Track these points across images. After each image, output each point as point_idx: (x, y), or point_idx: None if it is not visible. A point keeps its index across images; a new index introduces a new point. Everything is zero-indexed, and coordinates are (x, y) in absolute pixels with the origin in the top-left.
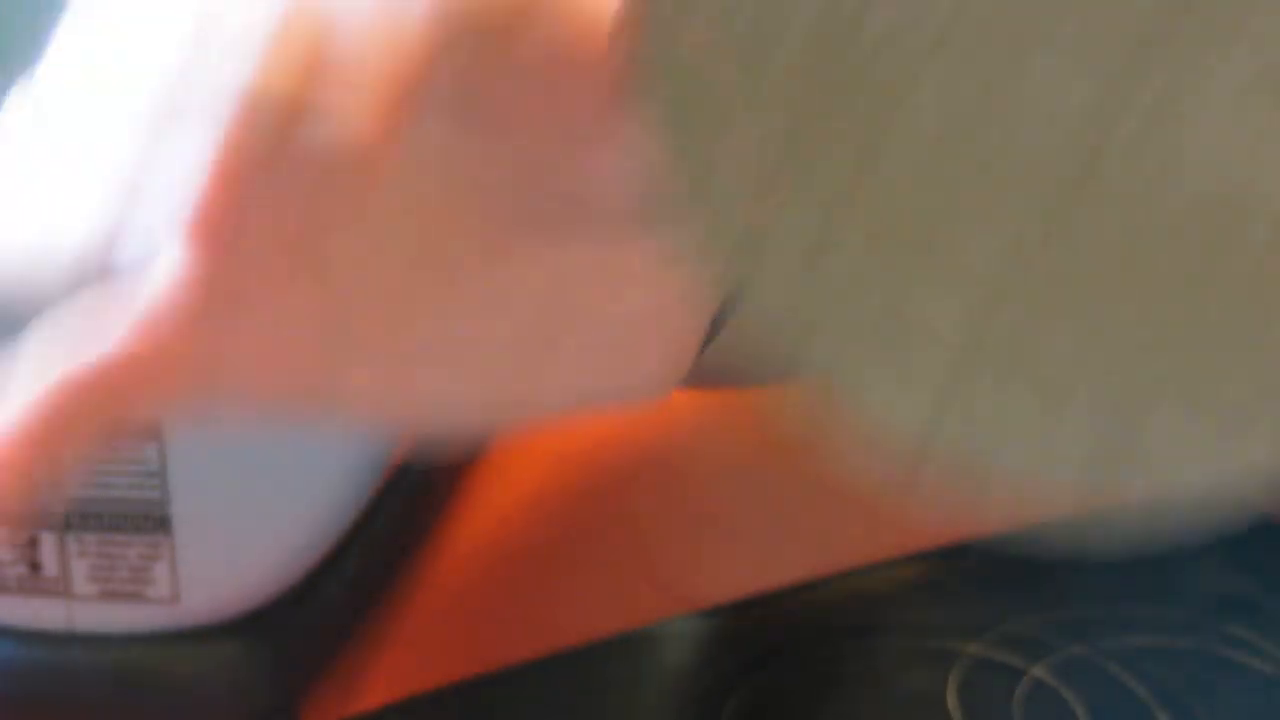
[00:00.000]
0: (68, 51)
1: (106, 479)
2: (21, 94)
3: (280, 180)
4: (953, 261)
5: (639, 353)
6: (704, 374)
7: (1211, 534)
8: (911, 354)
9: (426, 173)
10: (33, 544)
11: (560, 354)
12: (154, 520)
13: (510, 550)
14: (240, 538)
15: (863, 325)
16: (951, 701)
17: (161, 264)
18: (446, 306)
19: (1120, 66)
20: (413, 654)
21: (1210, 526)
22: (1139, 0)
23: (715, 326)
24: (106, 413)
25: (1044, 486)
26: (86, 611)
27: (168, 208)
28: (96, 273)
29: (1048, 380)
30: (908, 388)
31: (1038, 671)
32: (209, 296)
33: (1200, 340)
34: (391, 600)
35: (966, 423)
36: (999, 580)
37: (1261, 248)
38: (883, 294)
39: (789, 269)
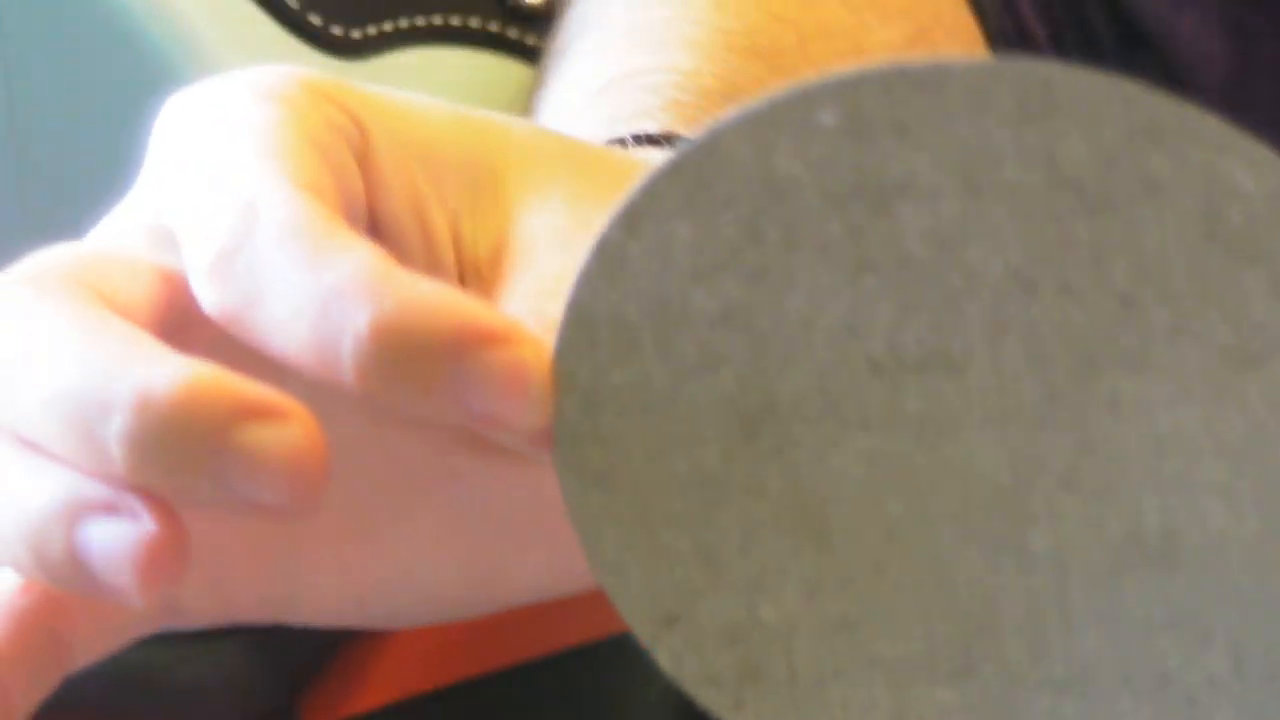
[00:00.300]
0: None
1: None
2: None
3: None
4: (883, 631)
5: None
6: None
7: None
8: (843, 718)
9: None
10: None
11: (529, 554)
12: None
13: None
14: None
15: (790, 696)
16: None
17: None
18: (405, 523)
19: (1030, 434)
20: (412, 654)
21: None
22: (1037, 380)
23: None
24: (53, 639)
25: None
26: None
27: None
28: None
29: (995, 706)
30: None
31: None
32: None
33: (1163, 651)
34: None
35: None
36: None
37: (1188, 580)
38: (811, 670)
39: (711, 649)
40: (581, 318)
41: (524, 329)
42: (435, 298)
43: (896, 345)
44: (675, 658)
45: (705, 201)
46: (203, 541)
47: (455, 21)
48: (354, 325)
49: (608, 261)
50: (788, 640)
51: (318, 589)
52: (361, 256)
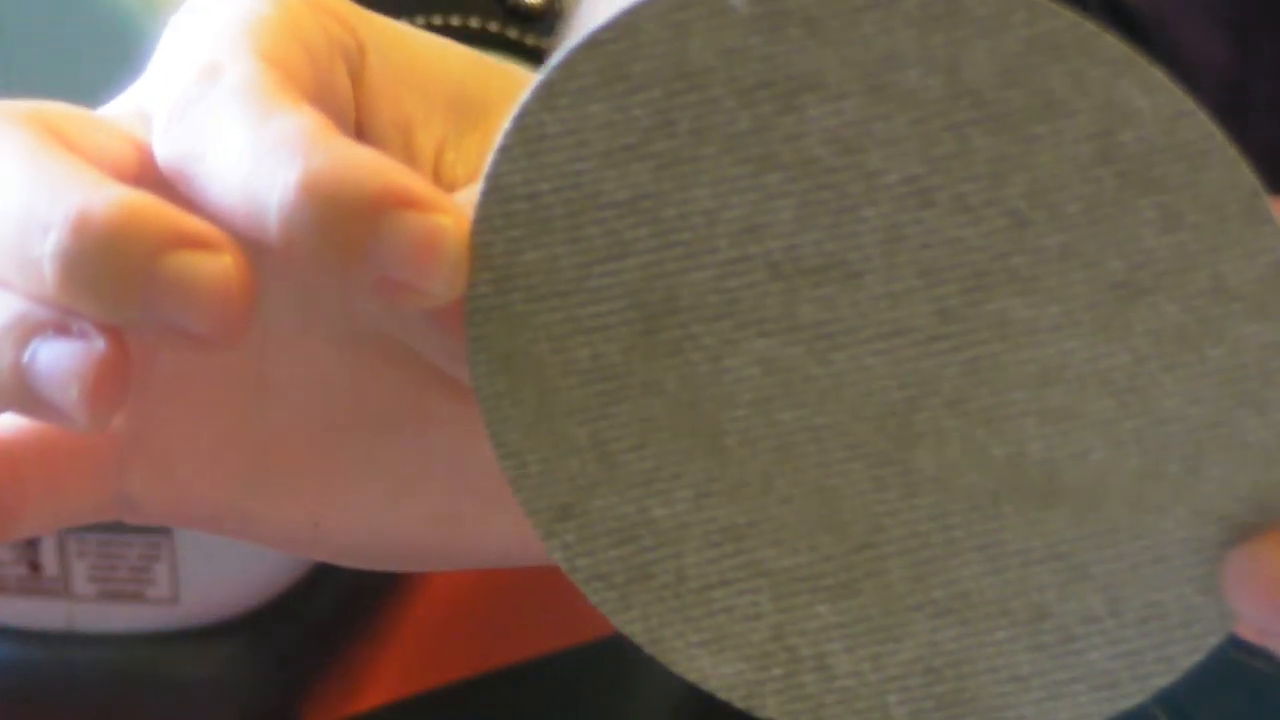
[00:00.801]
0: None
1: None
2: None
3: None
4: (770, 541)
5: None
6: None
7: None
8: (728, 626)
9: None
10: (33, 544)
11: (495, 516)
12: None
13: None
14: None
15: (676, 599)
16: None
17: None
18: (372, 458)
19: (920, 351)
20: (412, 654)
21: None
22: (929, 295)
23: None
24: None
25: None
26: (86, 611)
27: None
28: None
29: (874, 630)
30: (723, 658)
31: None
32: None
33: (1043, 587)
34: (390, 601)
35: (790, 693)
36: None
37: (1066, 514)
38: (698, 575)
39: (602, 546)
40: (498, 191)
41: (447, 200)
42: (363, 159)
43: (795, 249)
44: (568, 552)
45: (620, 83)
46: (159, 433)
47: (455, 21)
48: (282, 179)
49: (525, 135)
50: (677, 543)
51: (272, 509)
52: (302, 118)
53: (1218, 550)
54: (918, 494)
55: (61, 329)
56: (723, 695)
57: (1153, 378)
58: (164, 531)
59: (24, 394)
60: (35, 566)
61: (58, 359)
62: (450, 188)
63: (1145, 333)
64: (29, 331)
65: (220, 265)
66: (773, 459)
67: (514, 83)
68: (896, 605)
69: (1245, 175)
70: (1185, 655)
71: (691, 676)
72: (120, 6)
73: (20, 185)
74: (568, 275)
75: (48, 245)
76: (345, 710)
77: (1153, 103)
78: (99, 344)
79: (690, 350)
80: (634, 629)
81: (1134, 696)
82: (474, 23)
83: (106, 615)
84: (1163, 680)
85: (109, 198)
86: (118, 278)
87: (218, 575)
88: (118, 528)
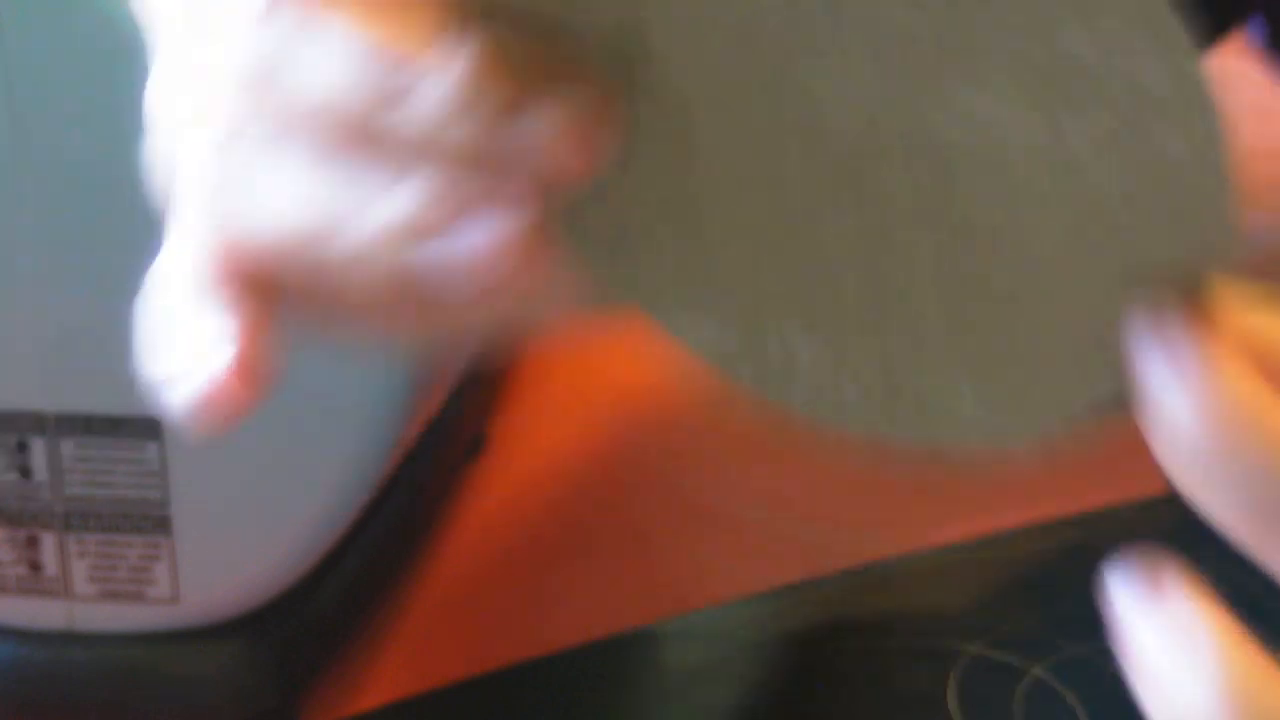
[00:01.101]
0: None
1: (106, 479)
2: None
3: None
4: (747, 221)
5: None
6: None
7: (1210, 534)
8: (710, 297)
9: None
10: (33, 544)
11: None
12: (154, 520)
13: (509, 551)
14: (240, 538)
15: (667, 267)
16: (951, 701)
17: None
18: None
19: (891, 67)
20: (413, 654)
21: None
22: (901, 16)
23: None
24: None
25: (829, 428)
26: (86, 611)
27: None
28: None
29: (832, 328)
30: (707, 326)
31: (1038, 671)
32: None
33: (978, 317)
34: (390, 600)
35: (760, 366)
36: (999, 579)
37: (1004, 252)
38: (684, 242)
39: (589, 213)
40: None
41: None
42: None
43: (758, 16)
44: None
45: None
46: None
47: None
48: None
49: None
50: (652, 246)
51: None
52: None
53: (1128, 306)
54: (868, 208)
55: (488, 201)
56: (703, 357)
57: (1077, 155)
58: (164, 531)
59: (458, 283)
60: (35, 566)
61: (503, 236)
62: None
63: (1069, 116)
64: (447, 217)
65: (584, 94)
66: (741, 168)
67: None
68: (852, 305)
69: None
70: (1104, 384)
71: (674, 333)
72: (120, 6)
73: (380, 63)
74: (549, 13)
75: (469, 121)
76: (345, 710)
77: None
78: (517, 215)
79: (662, 90)
80: (622, 290)
81: (1056, 420)
82: None
83: (106, 615)
84: (1081, 406)
85: (467, 50)
86: (508, 126)
87: (218, 575)
88: (118, 527)
